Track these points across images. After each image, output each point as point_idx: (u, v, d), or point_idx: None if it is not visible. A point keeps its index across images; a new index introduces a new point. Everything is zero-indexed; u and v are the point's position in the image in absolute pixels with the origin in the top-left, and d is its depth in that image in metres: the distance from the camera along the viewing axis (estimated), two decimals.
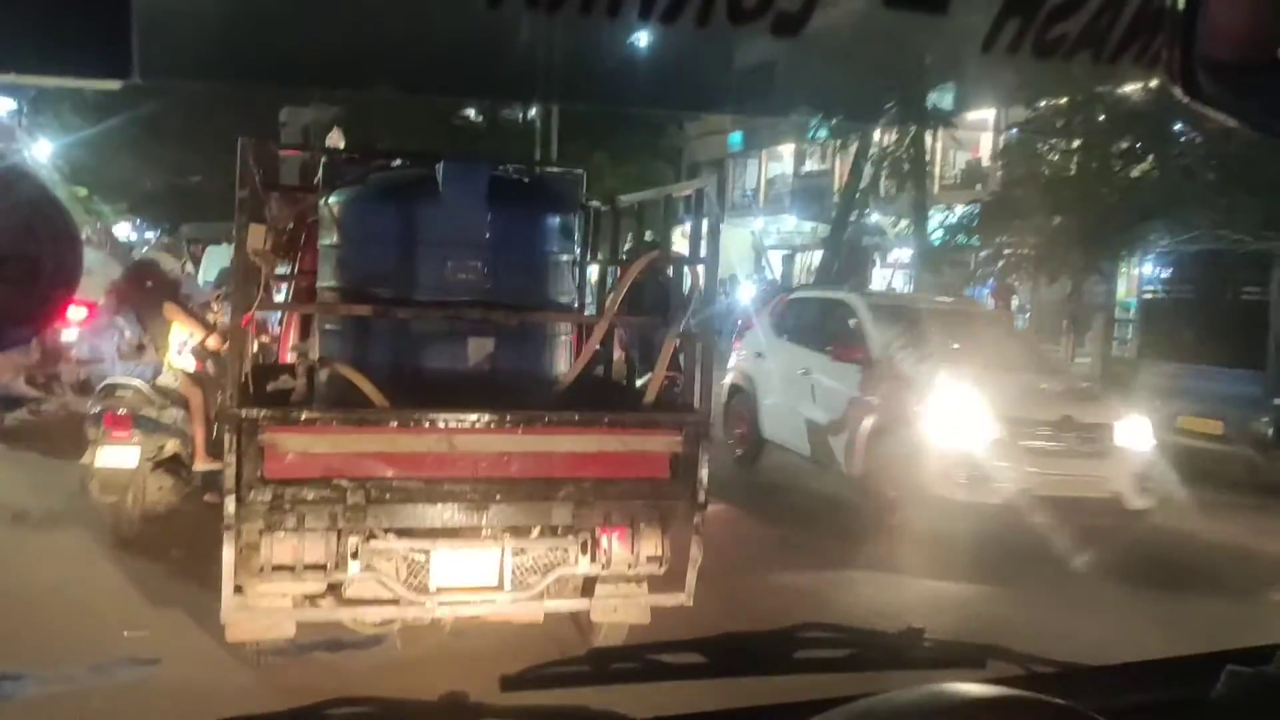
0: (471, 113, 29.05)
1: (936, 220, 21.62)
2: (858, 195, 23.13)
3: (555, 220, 4.84)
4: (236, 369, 3.87)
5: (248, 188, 3.95)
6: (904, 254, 25.88)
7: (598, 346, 4.69)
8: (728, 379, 10.45)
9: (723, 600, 4.69)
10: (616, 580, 4.31)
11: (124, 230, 31.09)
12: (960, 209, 21.01)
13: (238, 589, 3.82)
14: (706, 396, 4.32)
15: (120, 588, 5.36)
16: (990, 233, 18.47)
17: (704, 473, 4.19)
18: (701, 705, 1.43)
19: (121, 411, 5.92)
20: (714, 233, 4.38)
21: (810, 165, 31.23)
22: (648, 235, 6.49)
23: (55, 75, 1.19)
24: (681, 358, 4.61)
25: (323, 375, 4.29)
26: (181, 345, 6.41)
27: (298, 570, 3.83)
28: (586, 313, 5.36)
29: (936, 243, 21.23)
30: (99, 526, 6.12)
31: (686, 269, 4.84)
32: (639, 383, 4.80)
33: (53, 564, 5.66)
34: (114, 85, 1.17)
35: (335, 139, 5.88)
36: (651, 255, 4.83)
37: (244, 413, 3.72)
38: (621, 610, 4.44)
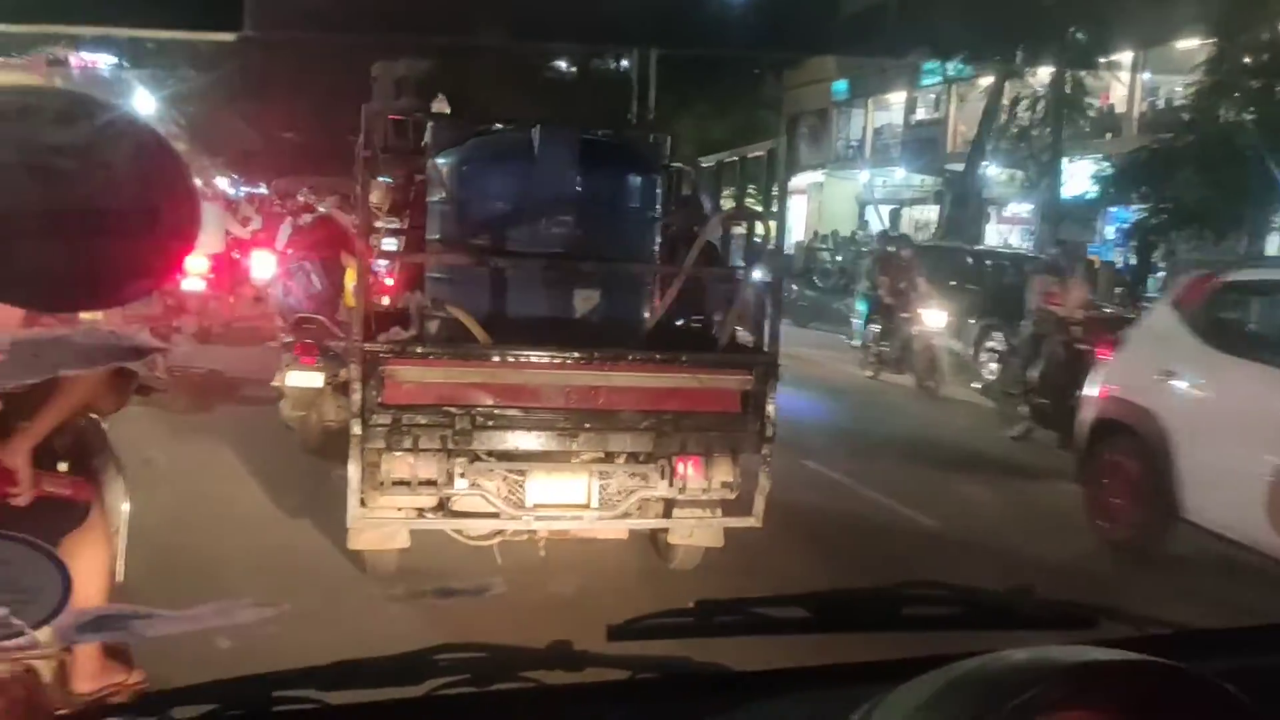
0: (563, 64, 29.27)
1: (1075, 171, 20.11)
2: (987, 144, 21.58)
3: (639, 180, 5.33)
4: (361, 309, 4.47)
5: (371, 149, 4.53)
6: (1022, 209, 24.71)
7: (675, 294, 5.19)
8: (1092, 410, 6.56)
9: None
10: (691, 504, 4.83)
11: (222, 186, 32.14)
12: (1097, 161, 19.38)
13: (361, 501, 4.43)
14: (775, 338, 4.79)
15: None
16: (1137, 186, 16.87)
17: (771, 408, 4.67)
18: (804, 660, 1.41)
19: (308, 342, 6.87)
20: (782, 190, 4.83)
21: (921, 114, 30.17)
22: (725, 194, 6.93)
23: (169, 28, 1.50)
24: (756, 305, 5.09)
25: (433, 316, 4.89)
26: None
27: (413, 485, 4.44)
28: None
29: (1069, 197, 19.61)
30: (221, 469, 6.70)
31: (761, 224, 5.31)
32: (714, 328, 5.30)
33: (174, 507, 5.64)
34: (226, 37, 1.39)
35: (441, 105, 6.43)
36: (727, 213, 5.30)
37: (368, 346, 4.33)
38: (697, 533, 4.99)
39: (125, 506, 3.43)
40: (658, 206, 5.71)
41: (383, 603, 4.56)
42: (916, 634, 1.52)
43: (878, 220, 24.55)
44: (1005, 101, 21.10)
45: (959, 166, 23.70)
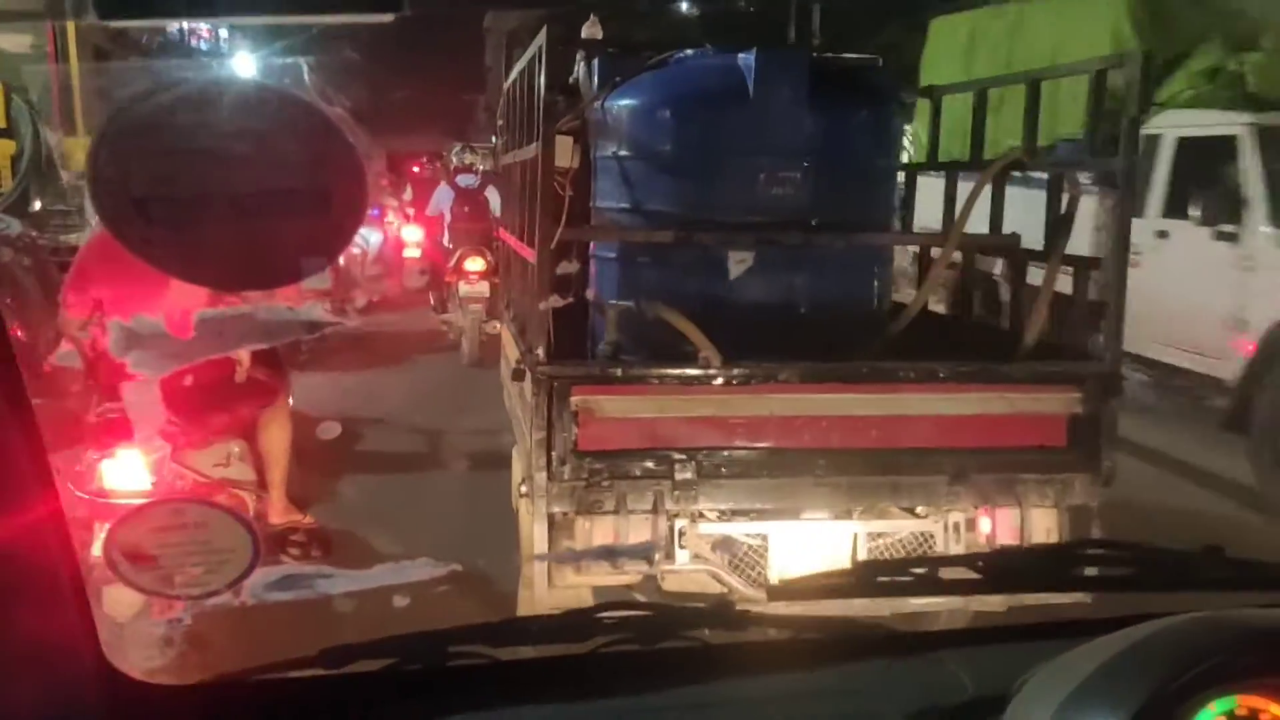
0: None
1: None
2: None
3: (884, 120, 3.99)
4: (542, 314, 3.22)
5: (554, 90, 3.24)
6: None
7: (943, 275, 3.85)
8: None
9: None
10: None
11: None
12: None
13: (548, 579, 3.24)
14: (1115, 339, 3.42)
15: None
16: None
17: (1109, 437, 3.33)
18: (974, 621, 1.55)
19: (474, 258, 9.33)
20: (1131, 131, 3.40)
21: None
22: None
23: (332, 13, 1.22)
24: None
25: (622, 317, 3.60)
26: None
27: (616, 560, 3.20)
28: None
29: None
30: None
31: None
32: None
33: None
34: (386, 19, 1.13)
35: (593, 30, 5.06)
36: (1011, 156, 3.92)
37: (557, 370, 3.08)
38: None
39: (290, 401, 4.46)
40: (899, 155, 4.35)
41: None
42: (1093, 594, 1.54)
43: None
44: None
45: None
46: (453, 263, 9.63)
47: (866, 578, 1.51)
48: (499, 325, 6.75)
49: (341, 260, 11.35)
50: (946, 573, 1.49)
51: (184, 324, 2.83)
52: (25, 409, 1.00)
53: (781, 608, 1.42)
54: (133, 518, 1.39)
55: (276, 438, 4.26)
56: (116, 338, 3.22)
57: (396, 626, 1.35)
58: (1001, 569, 1.54)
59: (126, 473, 3.55)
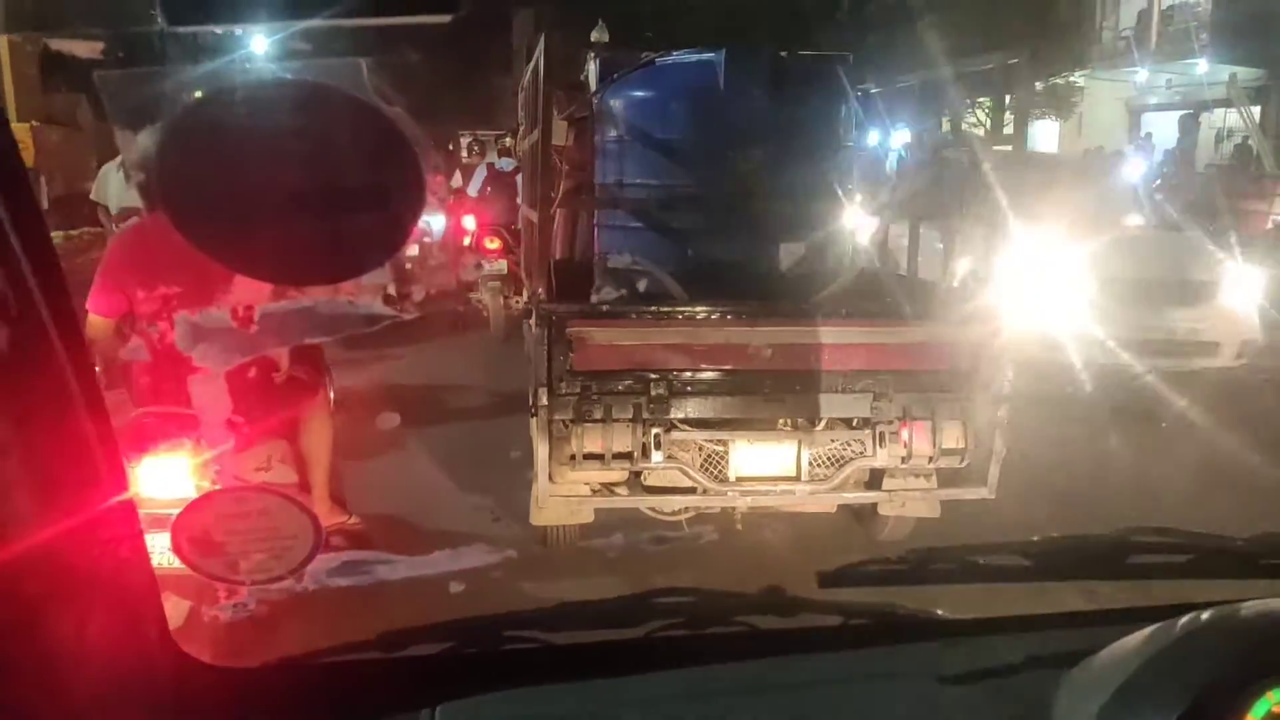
0: None
1: None
2: None
3: (839, 108, 4.80)
4: (545, 264, 4.08)
5: (553, 82, 4.09)
6: None
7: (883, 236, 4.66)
8: None
9: None
10: (910, 474, 4.34)
11: None
12: None
13: (550, 477, 4.07)
14: (1004, 284, 4.23)
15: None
16: None
17: (1007, 362, 4.12)
18: (1024, 609, 1.37)
19: (494, 237, 9.64)
20: (1022, 111, 4.20)
21: None
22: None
23: (394, 15, 1.35)
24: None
25: (616, 269, 4.47)
26: None
27: (605, 459, 4.05)
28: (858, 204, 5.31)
29: None
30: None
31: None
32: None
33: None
34: (444, 19, 1.30)
35: (600, 34, 5.98)
36: (941, 140, 4.72)
37: (553, 308, 3.93)
38: (911, 504, 4.49)
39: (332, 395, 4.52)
40: (854, 136, 5.17)
41: (599, 549, 4.58)
42: (1143, 582, 1.48)
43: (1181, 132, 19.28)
44: None
45: None
46: (468, 241, 10.11)
47: (918, 565, 1.53)
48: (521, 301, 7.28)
49: (405, 251, 12.14)
50: (1000, 559, 1.50)
51: (247, 318, 3.12)
52: (99, 401, 1.02)
53: (831, 594, 1.43)
54: (199, 505, 1.45)
55: (317, 438, 4.16)
56: (183, 331, 3.25)
57: (454, 611, 1.43)
58: (1052, 556, 1.53)
59: (165, 479, 3.29)
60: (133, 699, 1.13)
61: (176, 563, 1.51)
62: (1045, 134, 24.39)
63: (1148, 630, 1.06)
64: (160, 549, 1.58)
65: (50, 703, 0.94)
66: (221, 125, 1.14)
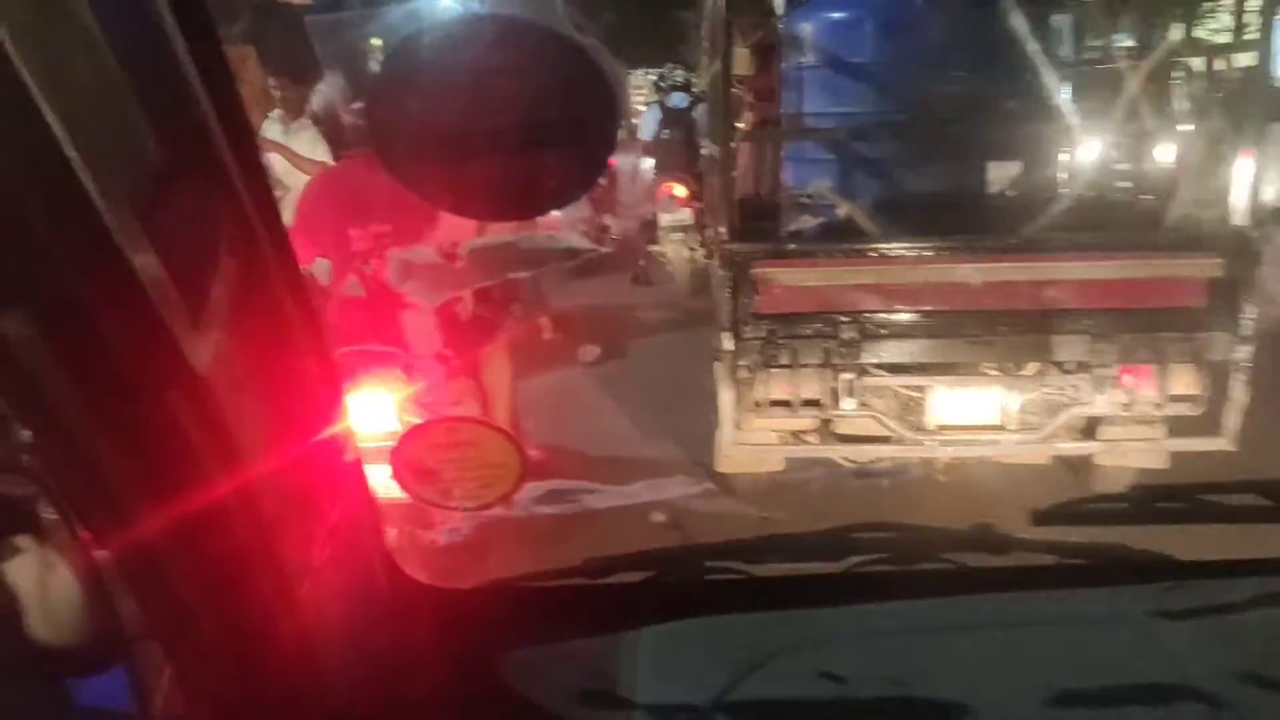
0: None
1: None
2: None
3: (1057, 13, 4.34)
4: (727, 202, 3.88)
5: (736, 6, 3.86)
6: None
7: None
8: None
9: None
10: (1133, 422, 3.94)
11: None
12: None
13: (735, 424, 3.92)
14: (1254, 209, 3.71)
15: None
16: None
17: (1250, 299, 3.65)
18: (1258, 552, 1.29)
19: (679, 190, 8.84)
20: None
21: None
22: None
23: None
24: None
25: (805, 205, 4.22)
26: None
27: (793, 406, 3.86)
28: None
29: None
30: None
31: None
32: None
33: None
34: None
35: None
36: (1169, 46, 4.20)
37: (734, 247, 3.74)
38: (1133, 454, 4.09)
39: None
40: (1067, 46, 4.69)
41: (798, 483, 4.43)
42: None
43: None
44: None
45: None
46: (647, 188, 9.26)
47: (1140, 504, 1.48)
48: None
49: (599, 183, 12.03)
50: (1232, 499, 1.40)
51: (452, 254, 3.17)
52: (321, 338, 1.06)
53: (1045, 532, 1.36)
54: (415, 434, 1.50)
55: (499, 375, 4.29)
56: (396, 268, 3.37)
57: (656, 540, 1.57)
58: None
59: (374, 412, 3.37)
60: (357, 613, 1.20)
61: (390, 492, 1.57)
62: None
63: None
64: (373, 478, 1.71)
65: (287, 615, 0.97)
66: (428, 65, 1.15)
